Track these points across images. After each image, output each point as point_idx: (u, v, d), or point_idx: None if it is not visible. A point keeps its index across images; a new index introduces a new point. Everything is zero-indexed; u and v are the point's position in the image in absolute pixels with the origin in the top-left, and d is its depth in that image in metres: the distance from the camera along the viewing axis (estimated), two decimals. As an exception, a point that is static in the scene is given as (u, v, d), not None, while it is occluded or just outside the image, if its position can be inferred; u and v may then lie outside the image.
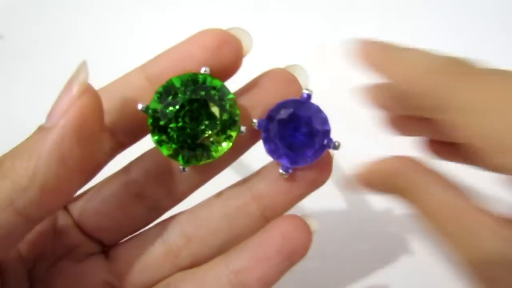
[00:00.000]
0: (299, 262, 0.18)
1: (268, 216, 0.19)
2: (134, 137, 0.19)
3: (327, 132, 0.18)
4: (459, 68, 0.17)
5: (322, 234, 0.28)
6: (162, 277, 0.19)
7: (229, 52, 0.17)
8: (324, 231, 0.28)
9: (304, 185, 0.18)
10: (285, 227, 0.18)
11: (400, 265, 0.28)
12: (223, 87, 0.17)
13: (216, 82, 0.17)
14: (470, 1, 0.37)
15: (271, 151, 0.18)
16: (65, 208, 0.19)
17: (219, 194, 0.19)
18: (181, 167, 0.18)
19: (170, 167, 0.19)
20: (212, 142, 0.17)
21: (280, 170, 0.18)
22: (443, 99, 0.17)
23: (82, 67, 0.15)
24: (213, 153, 0.17)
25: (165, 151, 0.17)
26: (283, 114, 0.17)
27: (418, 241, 0.29)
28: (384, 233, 0.29)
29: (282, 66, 0.19)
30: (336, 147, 0.18)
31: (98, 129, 0.15)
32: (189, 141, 0.17)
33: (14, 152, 0.15)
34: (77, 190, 0.16)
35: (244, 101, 0.18)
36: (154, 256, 0.19)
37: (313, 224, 0.18)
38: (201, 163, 0.17)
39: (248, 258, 0.18)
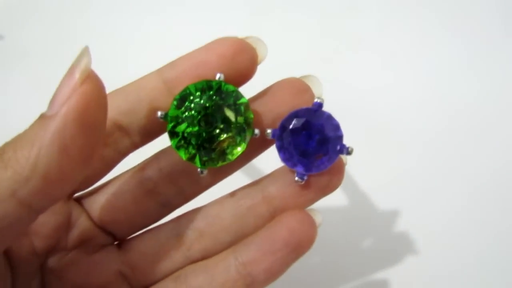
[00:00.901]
0: (303, 254, 0.18)
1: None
2: (148, 137, 0.19)
3: (339, 138, 0.18)
4: None
5: (324, 231, 0.28)
6: (174, 268, 0.20)
7: (244, 60, 0.18)
8: (326, 228, 0.29)
9: (316, 190, 0.19)
10: (291, 221, 0.18)
11: (403, 262, 0.29)
12: (237, 92, 0.18)
13: (230, 88, 0.18)
14: (471, 1, 0.37)
15: (285, 159, 0.18)
16: (79, 202, 0.20)
17: (232, 194, 0.20)
18: (199, 170, 0.18)
19: (184, 167, 0.19)
20: (228, 145, 0.18)
21: (296, 178, 0.18)
22: None
23: (84, 52, 0.15)
24: (229, 156, 0.18)
25: (183, 155, 0.18)
26: (296, 123, 0.18)
27: (422, 239, 0.30)
28: (386, 231, 0.30)
29: (297, 75, 0.19)
30: (349, 153, 0.18)
31: (101, 117, 0.15)
32: (206, 145, 0.18)
33: (16, 141, 0.15)
34: (80, 179, 0.15)
35: (257, 107, 0.19)
36: (167, 248, 0.20)
37: (318, 218, 0.19)
38: (218, 165, 0.18)
39: (255, 251, 0.18)
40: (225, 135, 0.18)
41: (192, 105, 0.18)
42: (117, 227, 0.20)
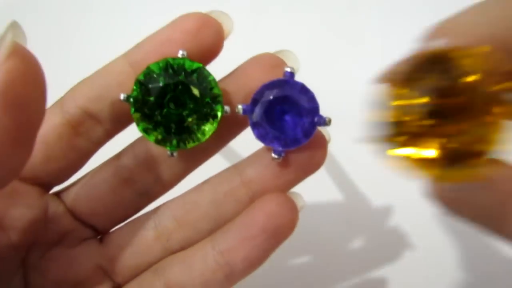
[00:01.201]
0: (285, 240, 0.17)
1: None
2: (120, 124, 0.19)
3: (315, 110, 0.17)
4: None
5: (317, 228, 0.28)
6: (153, 260, 0.19)
7: (209, 35, 0.17)
8: (320, 225, 0.28)
9: (296, 169, 0.18)
10: (269, 205, 0.17)
11: (398, 259, 0.28)
12: (203, 69, 0.17)
13: (195, 65, 0.17)
14: (471, 1, 0.36)
15: (260, 136, 0.17)
16: (57, 195, 0.20)
17: (209, 180, 0.19)
18: (168, 152, 0.18)
19: (158, 152, 0.19)
20: (198, 125, 0.17)
21: (273, 155, 0.17)
22: None
23: (11, 26, 0.13)
24: (199, 136, 0.18)
25: (151, 138, 0.17)
26: (268, 96, 0.17)
27: (417, 235, 0.29)
28: (380, 227, 0.29)
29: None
30: (326, 123, 0.17)
31: (32, 95, 0.14)
32: (174, 126, 0.17)
33: None
34: (22, 164, 0.14)
35: (228, 85, 0.18)
36: (145, 240, 0.19)
37: (300, 201, 0.18)
38: (189, 146, 0.18)
39: (233, 238, 0.18)
40: (192, 115, 0.17)
41: (155, 85, 0.17)
42: (96, 219, 0.20)
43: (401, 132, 0.12)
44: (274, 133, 0.17)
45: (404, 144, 0.12)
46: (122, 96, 0.17)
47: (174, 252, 0.19)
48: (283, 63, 0.18)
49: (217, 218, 0.19)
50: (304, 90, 0.17)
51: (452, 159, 0.11)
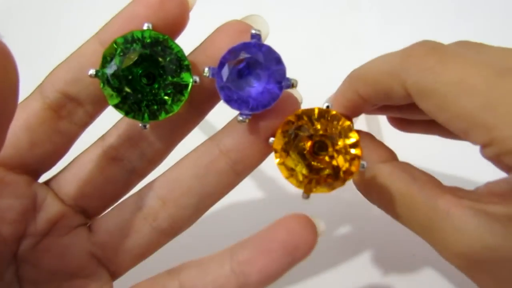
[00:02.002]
0: (301, 261, 0.18)
1: (239, 171, 0.19)
2: (101, 104, 0.19)
3: (281, 71, 0.17)
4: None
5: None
6: (143, 242, 0.20)
7: (173, 7, 0.17)
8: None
9: (270, 134, 0.18)
10: (291, 223, 0.17)
11: (388, 250, 0.28)
12: (169, 40, 0.17)
13: (160, 36, 0.17)
14: (472, 1, 0.36)
15: (227, 100, 0.17)
16: (46, 183, 0.20)
17: (187, 155, 0.19)
18: (140, 125, 0.18)
19: (139, 129, 0.19)
20: (168, 96, 0.18)
21: (239, 117, 0.17)
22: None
23: None
24: (169, 107, 0.18)
25: (122, 112, 0.18)
26: (233, 58, 0.17)
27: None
28: (370, 217, 0.29)
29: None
30: (293, 85, 0.17)
31: (1, 87, 0.13)
32: (144, 98, 0.17)
33: None
34: None
35: (197, 57, 0.18)
36: (132, 222, 0.20)
37: (321, 226, 0.18)
38: (161, 118, 0.18)
39: (252, 250, 0.18)
40: (161, 86, 0.17)
41: (121, 58, 0.17)
42: (87, 201, 0.20)
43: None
44: (241, 96, 0.17)
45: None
46: (90, 72, 0.17)
47: (163, 231, 0.19)
48: (250, 28, 0.18)
49: (200, 192, 0.19)
50: (270, 52, 0.17)
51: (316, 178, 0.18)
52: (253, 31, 0.17)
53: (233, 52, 0.17)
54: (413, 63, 0.18)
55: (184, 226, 0.20)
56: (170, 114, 0.18)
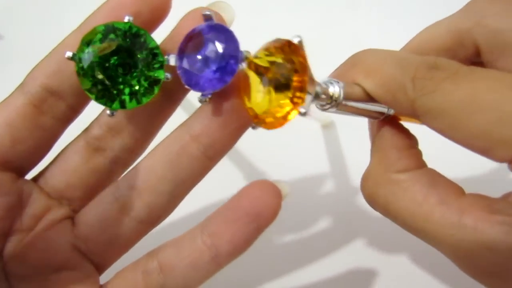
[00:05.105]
0: (267, 225, 0.18)
1: (210, 156, 0.19)
2: (83, 97, 0.19)
3: (234, 46, 0.17)
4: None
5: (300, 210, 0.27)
6: (123, 233, 0.20)
7: None
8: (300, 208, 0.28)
9: (238, 116, 0.18)
10: (254, 190, 0.18)
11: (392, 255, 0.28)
12: (146, 35, 0.18)
13: (140, 30, 0.18)
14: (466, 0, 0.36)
15: (189, 83, 0.18)
16: (34, 179, 0.20)
17: (159, 143, 0.20)
18: (108, 112, 0.18)
19: (120, 117, 0.19)
20: (140, 87, 0.18)
21: (199, 97, 0.18)
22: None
23: None
24: (140, 99, 0.18)
25: (93, 96, 0.18)
26: (187, 42, 0.18)
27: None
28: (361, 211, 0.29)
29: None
30: (246, 58, 0.17)
31: None
32: (116, 87, 0.18)
33: None
34: None
35: (166, 45, 0.19)
36: (110, 214, 0.20)
37: (284, 189, 0.18)
38: (128, 107, 0.18)
39: (219, 221, 0.18)
40: (133, 77, 0.18)
41: (98, 45, 0.18)
42: (72, 192, 0.20)
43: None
44: (199, 77, 0.18)
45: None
46: (67, 54, 0.17)
47: (142, 220, 0.20)
48: (216, 14, 0.18)
49: (174, 178, 0.19)
50: (222, 30, 0.17)
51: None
52: (205, 12, 0.17)
53: (189, 37, 0.18)
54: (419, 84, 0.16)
55: (162, 214, 0.20)
56: (138, 105, 0.18)
